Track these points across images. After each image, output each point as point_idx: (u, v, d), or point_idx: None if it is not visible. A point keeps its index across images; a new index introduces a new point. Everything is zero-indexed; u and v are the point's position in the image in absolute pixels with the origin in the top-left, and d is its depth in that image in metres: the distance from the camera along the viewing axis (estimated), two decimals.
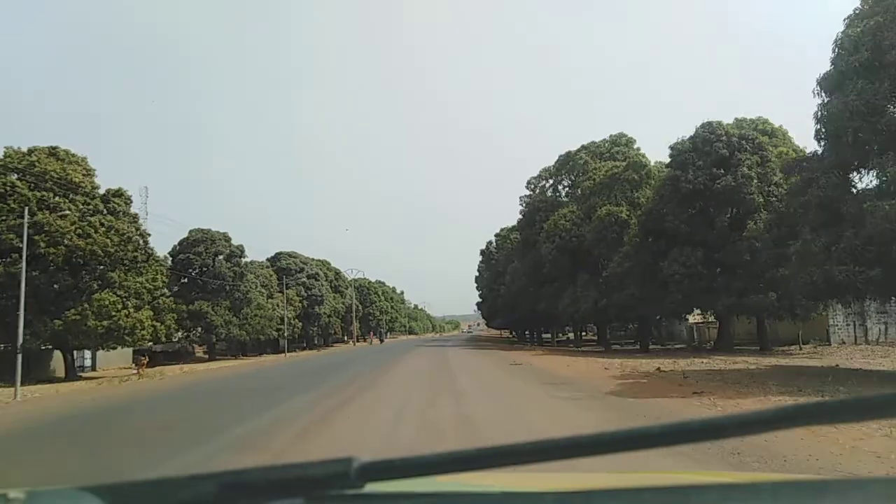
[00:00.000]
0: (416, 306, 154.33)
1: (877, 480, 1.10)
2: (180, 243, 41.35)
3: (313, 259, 63.22)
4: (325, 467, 0.78)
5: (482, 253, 54.34)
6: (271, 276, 53.94)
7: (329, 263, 66.39)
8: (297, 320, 52.01)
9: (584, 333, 59.51)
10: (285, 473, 0.81)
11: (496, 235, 53.09)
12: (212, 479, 0.81)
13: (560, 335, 56.58)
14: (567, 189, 32.78)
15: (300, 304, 53.54)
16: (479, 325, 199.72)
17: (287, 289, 54.29)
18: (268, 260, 58.80)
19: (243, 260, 42.62)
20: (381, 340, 75.46)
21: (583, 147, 32.61)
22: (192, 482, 0.82)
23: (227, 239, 41.95)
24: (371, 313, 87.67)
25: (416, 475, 0.80)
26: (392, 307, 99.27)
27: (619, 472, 1.97)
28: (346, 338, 78.99)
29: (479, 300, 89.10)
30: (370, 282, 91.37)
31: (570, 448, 0.74)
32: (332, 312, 62.32)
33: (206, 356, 48.28)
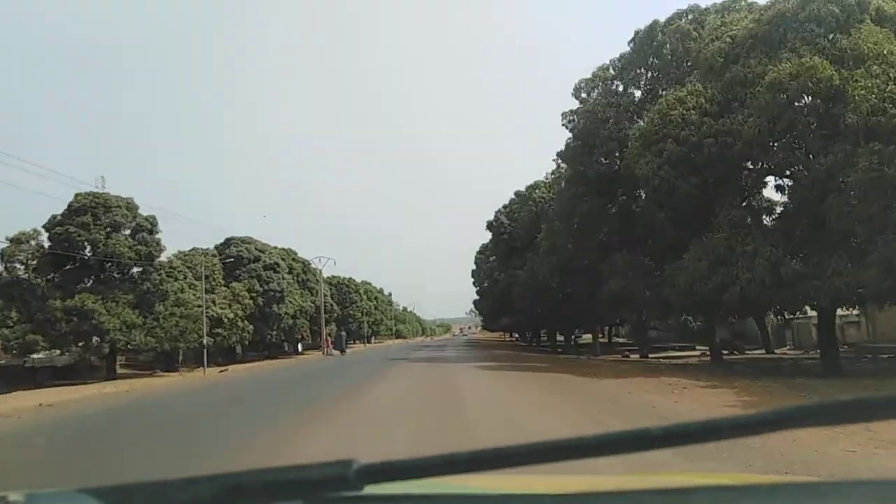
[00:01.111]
0: (404, 308, 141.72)
1: (873, 482, 1.00)
2: (62, 213, 28.81)
3: (274, 247, 50.80)
4: (324, 469, 0.77)
5: (489, 226, 41.05)
6: (215, 265, 41.72)
7: (295, 253, 53.87)
8: (245, 321, 39.53)
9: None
10: (284, 475, 0.80)
11: (511, 198, 39.65)
12: (211, 482, 0.80)
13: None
14: (649, 86, 20.12)
15: (251, 302, 41.03)
16: (470, 327, 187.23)
17: (236, 281, 42.07)
18: (216, 248, 46.57)
19: (157, 236, 30.10)
20: (343, 351, 50.17)
21: (676, 14, 19.90)
22: (191, 484, 0.81)
23: (130, 207, 29.52)
24: (352, 315, 75.34)
25: (415, 477, 0.80)
26: (376, 307, 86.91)
27: (619, 475, 1.95)
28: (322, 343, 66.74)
29: (477, 297, 77.23)
30: (350, 279, 78.88)
31: (569, 450, 0.73)
32: (299, 312, 49.81)
33: (128, 371, 36.08)
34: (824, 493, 0.88)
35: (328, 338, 51.34)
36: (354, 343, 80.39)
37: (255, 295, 43.22)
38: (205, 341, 26.07)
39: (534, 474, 1.09)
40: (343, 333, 53.18)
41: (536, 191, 31.77)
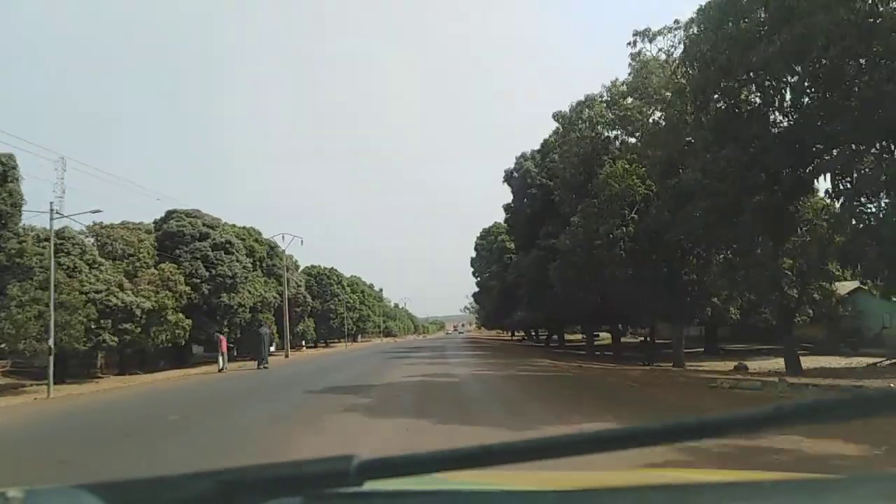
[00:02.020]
0: (396, 305, 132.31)
1: (877, 477, 1.03)
2: None
3: (230, 225, 41.10)
4: (325, 465, 0.78)
5: (507, 178, 30.11)
6: (142, 241, 32.09)
7: (259, 233, 44.13)
8: (179, 314, 29.85)
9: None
10: (285, 471, 0.80)
11: (532, 149, 29.82)
12: (212, 477, 0.80)
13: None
14: None
15: (188, 289, 31.34)
16: (464, 325, 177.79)
17: (173, 262, 32.36)
18: (154, 223, 37.02)
19: (13, 185, 20.40)
20: (263, 361, 29.20)
21: None
22: (192, 480, 0.82)
23: None
24: (332, 309, 65.54)
25: (415, 473, 0.80)
26: (362, 302, 77.14)
27: (620, 471, 1.98)
28: (317, 342, 57.20)
29: (477, 290, 67.85)
30: (332, 269, 69.15)
31: (570, 446, 0.74)
32: (261, 305, 40.13)
33: (10, 381, 26.56)
34: (829, 489, 0.86)
35: (221, 337, 31.39)
36: (338, 342, 70.98)
37: (198, 281, 33.58)
38: (51, 343, 16.32)
39: (535, 470, 1.07)
40: (265, 331, 31.46)
41: (588, 109, 20.95)
